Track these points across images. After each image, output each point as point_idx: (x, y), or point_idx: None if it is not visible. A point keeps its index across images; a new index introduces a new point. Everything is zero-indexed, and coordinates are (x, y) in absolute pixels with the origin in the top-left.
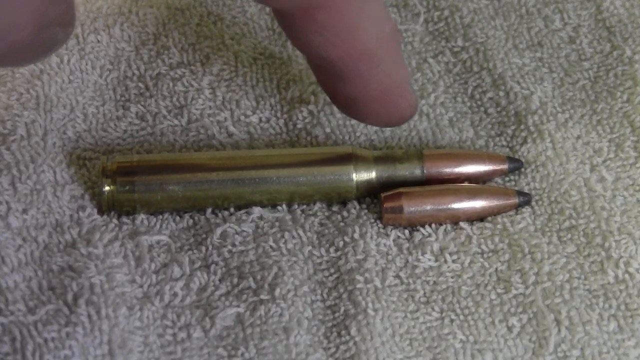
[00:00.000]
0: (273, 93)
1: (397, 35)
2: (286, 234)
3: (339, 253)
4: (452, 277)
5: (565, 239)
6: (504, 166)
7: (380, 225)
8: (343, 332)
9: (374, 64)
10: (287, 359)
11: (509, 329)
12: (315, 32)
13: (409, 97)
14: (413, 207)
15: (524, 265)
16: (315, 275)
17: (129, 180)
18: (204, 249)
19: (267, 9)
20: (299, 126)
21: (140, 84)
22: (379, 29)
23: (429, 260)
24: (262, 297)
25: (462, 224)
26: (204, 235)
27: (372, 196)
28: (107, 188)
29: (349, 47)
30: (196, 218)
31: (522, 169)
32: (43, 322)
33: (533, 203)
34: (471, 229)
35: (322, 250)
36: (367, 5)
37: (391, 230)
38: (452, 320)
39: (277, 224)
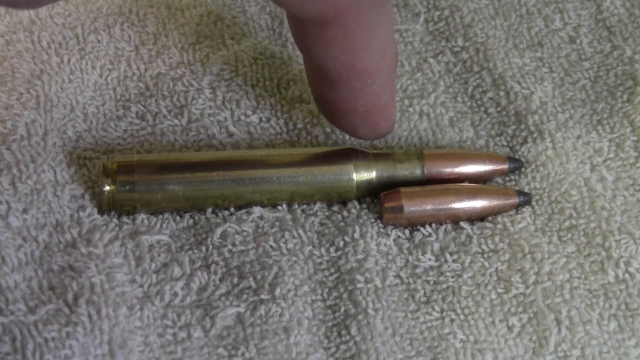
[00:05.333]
0: (273, 93)
1: (396, 59)
2: (286, 234)
3: (339, 253)
4: (452, 277)
5: (565, 238)
6: (504, 166)
7: (380, 225)
8: (343, 332)
9: (367, 82)
10: (287, 358)
11: (509, 328)
12: (322, 43)
13: (389, 120)
14: (413, 206)
15: (524, 265)
16: (315, 275)
17: (129, 180)
18: (204, 248)
19: (267, 9)
20: (299, 126)
21: (140, 84)
22: (381, 53)
23: (430, 260)
24: (262, 296)
25: (462, 223)
26: (204, 235)
27: (372, 196)
28: (107, 188)
29: (349, 63)
30: (196, 218)
31: (522, 169)
32: (43, 321)
33: (533, 203)
34: (471, 228)
35: (323, 250)
36: (377, 31)
37: (391, 230)
38: (452, 320)
39: (277, 223)
